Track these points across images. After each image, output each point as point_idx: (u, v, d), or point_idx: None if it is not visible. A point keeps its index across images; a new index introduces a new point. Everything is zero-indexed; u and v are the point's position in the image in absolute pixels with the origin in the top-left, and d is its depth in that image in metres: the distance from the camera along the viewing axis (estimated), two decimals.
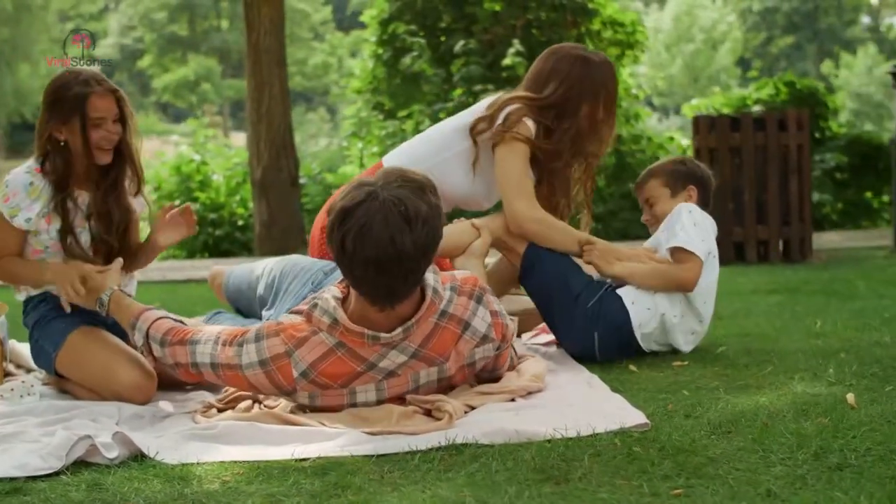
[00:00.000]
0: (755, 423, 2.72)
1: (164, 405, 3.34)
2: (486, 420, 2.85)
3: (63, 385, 3.63)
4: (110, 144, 3.46)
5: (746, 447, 2.51)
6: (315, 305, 2.91)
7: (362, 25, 13.98)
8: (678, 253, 3.70)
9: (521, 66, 11.66)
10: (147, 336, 3.09)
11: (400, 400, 3.00)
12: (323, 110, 46.49)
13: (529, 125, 3.85)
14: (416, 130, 12.52)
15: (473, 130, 3.94)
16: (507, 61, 11.72)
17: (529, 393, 3.23)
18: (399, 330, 2.87)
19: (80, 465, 2.64)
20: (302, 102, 46.15)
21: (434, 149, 4.00)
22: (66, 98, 3.40)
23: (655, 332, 3.73)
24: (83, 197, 3.51)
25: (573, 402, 3.08)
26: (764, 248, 7.83)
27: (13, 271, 3.51)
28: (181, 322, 3.15)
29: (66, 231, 3.47)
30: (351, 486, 2.36)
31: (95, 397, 3.48)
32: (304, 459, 2.61)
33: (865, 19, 52.64)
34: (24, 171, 3.47)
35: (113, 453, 2.68)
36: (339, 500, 2.28)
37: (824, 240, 9.65)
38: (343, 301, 2.93)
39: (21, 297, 3.61)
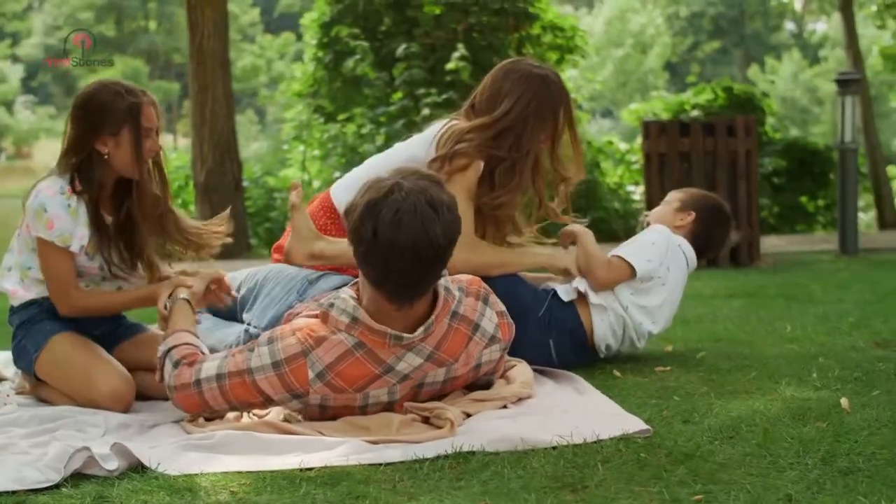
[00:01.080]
0: (755, 429, 2.76)
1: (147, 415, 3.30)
2: (487, 428, 2.85)
3: (39, 392, 3.57)
4: (155, 156, 3.40)
5: (753, 452, 2.55)
6: (331, 305, 2.88)
7: (291, 27, 13.87)
8: (616, 259, 3.75)
9: (465, 70, 11.69)
10: (167, 353, 3.04)
11: (396, 406, 2.99)
12: (251, 112, 46.14)
13: (476, 169, 3.72)
14: (358, 134, 12.48)
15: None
16: (450, 65, 11.73)
17: (520, 399, 3.23)
18: (421, 329, 2.85)
19: (78, 477, 2.58)
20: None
21: None
22: (118, 108, 3.30)
23: (608, 334, 3.75)
24: (106, 216, 3.44)
25: (568, 409, 3.09)
26: None
27: (102, 303, 3.45)
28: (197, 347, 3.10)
29: (105, 251, 3.40)
30: (366, 497, 2.35)
31: (73, 404, 3.42)
32: (308, 469, 2.58)
33: (790, 25, 53.67)
34: (58, 192, 3.34)
35: (112, 465, 2.63)
36: None
37: (767, 244, 9.80)
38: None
39: (16, 301, 3.51)
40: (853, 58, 14.07)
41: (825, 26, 51.09)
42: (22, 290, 3.49)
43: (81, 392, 3.33)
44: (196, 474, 2.56)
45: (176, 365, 2.99)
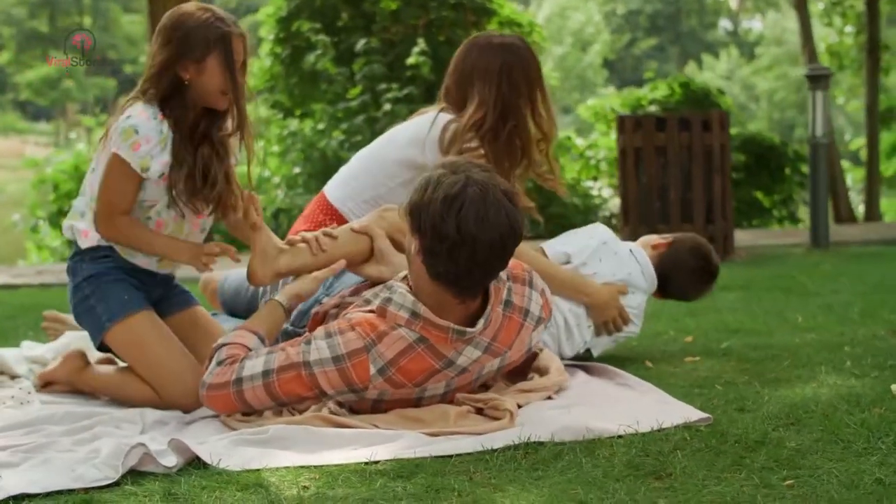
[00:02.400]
0: (813, 416, 2.76)
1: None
2: (545, 418, 2.83)
3: (80, 382, 3.47)
4: (242, 96, 3.21)
5: (823, 438, 2.55)
6: (388, 300, 2.82)
7: None
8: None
9: (426, 65, 11.62)
10: (218, 349, 2.95)
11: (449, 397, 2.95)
12: None
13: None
14: (315, 130, 12.36)
15: None
16: (411, 60, 11.66)
17: (559, 389, 3.22)
18: (481, 322, 2.82)
19: (136, 474, 2.52)
20: None
21: (379, 180, 3.78)
22: (206, 35, 3.13)
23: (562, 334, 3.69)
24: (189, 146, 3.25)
25: (619, 399, 3.08)
26: None
27: (140, 237, 3.24)
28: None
29: (176, 182, 3.20)
30: (448, 489, 2.31)
31: (94, 397, 3.38)
32: (374, 462, 2.54)
33: (726, 23, 54.39)
34: (151, 115, 3.15)
35: (171, 461, 2.56)
36: (447, 503, 2.23)
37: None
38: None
39: (86, 243, 3.30)
40: (808, 55, 14.28)
41: (760, 24, 51.94)
42: (93, 232, 3.30)
43: (159, 382, 3.21)
44: (259, 470, 2.51)
45: (220, 363, 2.91)
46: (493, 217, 2.67)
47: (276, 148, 12.46)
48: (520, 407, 2.97)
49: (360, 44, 12.04)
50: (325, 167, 12.12)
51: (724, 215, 8.03)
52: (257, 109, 12.69)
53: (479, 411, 2.90)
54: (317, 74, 12.48)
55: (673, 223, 7.91)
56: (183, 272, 3.58)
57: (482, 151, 3.64)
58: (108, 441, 2.73)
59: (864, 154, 16.31)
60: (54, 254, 11.10)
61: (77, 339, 3.96)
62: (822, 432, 2.60)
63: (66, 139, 43.30)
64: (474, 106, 3.66)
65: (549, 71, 14.09)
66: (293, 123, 12.59)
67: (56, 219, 10.77)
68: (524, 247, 3.57)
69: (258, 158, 3.49)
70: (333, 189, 3.89)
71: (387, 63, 12.22)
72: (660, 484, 2.28)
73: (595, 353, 3.73)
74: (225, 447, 2.67)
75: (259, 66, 13.35)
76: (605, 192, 13.41)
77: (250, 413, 2.95)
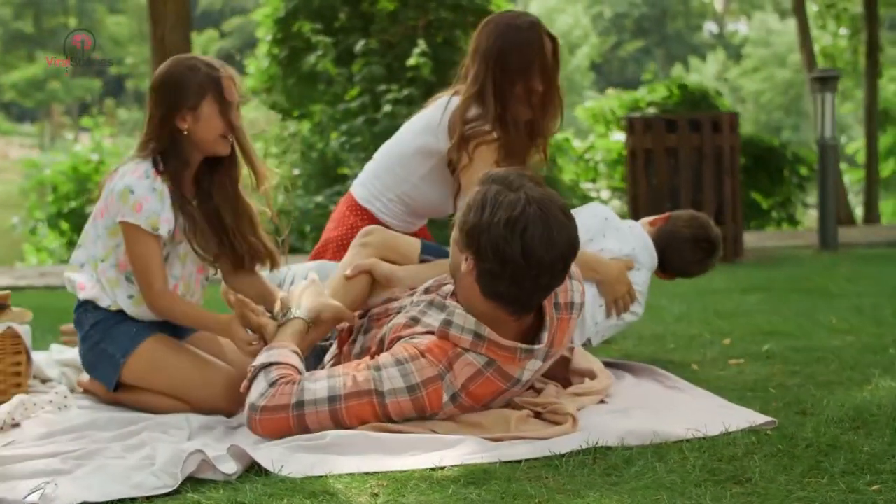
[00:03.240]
0: (880, 418, 2.72)
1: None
2: (607, 422, 2.79)
3: (121, 398, 3.41)
4: (237, 132, 3.22)
5: None
6: (449, 323, 2.72)
7: (212, 24, 13.53)
8: None
9: (426, 66, 11.57)
10: (264, 368, 2.81)
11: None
12: None
13: (492, 141, 3.55)
14: (315, 131, 12.29)
15: (450, 165, 3.64)
16: (411, 61, 11.60)
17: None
18: (545, 336, 2.76)
19: (194, 481, 2.45)
20: None
21: (401, 176, 3.73)
22: (196, 82, 3.15)
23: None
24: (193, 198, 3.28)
25: (676, 402, 3.04)
26: None
27: (190, 314, 3.22)
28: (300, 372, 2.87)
29: (193, 236, 3.23)
30: (524, 495, 2.26)
31: (138, 402, 3.30)
32: (440, 468, 2.49)
33: (712, 26, 54.53)
34: (143, 175, 3.16)
35: (231, 468, 2.50)
36: None
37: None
38: None
39: (84, 294, 3.32)
40: (807, 57, 14.28)
41: (745, 27, 52.09)
42: (91, 285, 3.32)
43: (193, 393, 3.17)
44: (323, 476, 2.45)
45: (273, 384, 2.76)
46: (557, 238, 2.60)
47: (274, 149, 12.39)
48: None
49: (360, 45, 11.97)
50: (324, 168, 12.07)
51: (734, 217, 8.01)
52: (255, 110, 12.65)
53: (538, 415, 2.85)
54: (315, 75, 12.41)
55: None
56: None
57: (495, 135, 3.53)
58: (162, 447, 2.67)
59: (860, 156, 16.35)
60: (53, 255, 11.00)
61: None
62: (894, 436, 2.56)
63: (51, 140, 43.13)
64: (467, 84, 3.58)
65: None
66: (292, 125, 12.51)
67: (55, 220, 10.67)
68: None
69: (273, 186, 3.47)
70: (360, 188, 3.84)
71: (385, 64, 12.16)
72: (741, 489, 2.24)
73: (595, 342, 3.67)
74: (281, 453, 2.60)
75: (256, 66, 13.28)
76: (604, 193, 13.40)
77: None
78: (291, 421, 2.72)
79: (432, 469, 2.48)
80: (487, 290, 2.68)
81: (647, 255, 3.67)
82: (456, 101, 3.63)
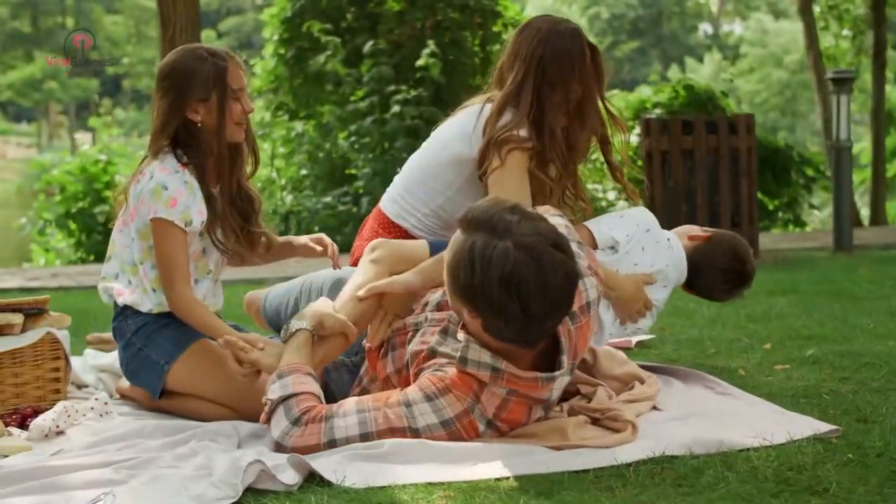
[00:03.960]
0: None
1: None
2: (667, 430, 2.76)
3: (165, 406, 3.38)
4: (246, 119, 3.22)
5: None
6: (465, 360, 2.65)
7: (209, 25, 13.44)
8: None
9: (436, 67, 11.52)
10: (284, 401, 2.70)
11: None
12: None
13: (523, 146, 3.46)
14: (320, 131, 12.23)
15: (481, 167, 3.52)
16: (421, 62, 11.55)
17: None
18: (565, 360, 2.69)
19: (256, 492, 2.42)
20: (146, 102, 44.99)
21: (435, 190, 3.60)
22: (204, 72, 3.11)
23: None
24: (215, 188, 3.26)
25: (731, 409, 3.00)
26: None
27: (207, 323, 3.16)
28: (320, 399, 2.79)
29: (214, 228, 3.22)
30: None
31: (182, 409, 3.27)
32: (505, 478, 2.45)
33: (707, 27, 54.57)
34: (172, 170, 3.13)
35: (292, 478, 2.46)
36: None
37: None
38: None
39: (122, 300, 3.28)
40: (814, 58, 14.25)
41: (739, 28, 52.14)
42: (129, 291, 3.27)
43: (240, 401, 3.12)
44: (386, 487, 2.41)
45: (296, 422, 2.66)
46: (553, 281, 2.51)
47: (282, 149, 12.34)
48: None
49: (368, 45, 11.91)
50: (331, 169, 12.02)
51: (751, 219, 7.97)
52: (261, 111, 12.60)
53: (595, 421, 2.81)
54: (321, 76, 12.35)
55: (700, 226, 7.84)
56: (227, 274, 3.56)
57: (530, 144, 3.43)
58: (218, 457, 2.64)
59: (864, 157, 16.32)
60: (62, 256, 10.94)
61: None
62: None
63: (49, 140, 43.03)
64: (505, 87, 3.49)
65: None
66: (299, 125, 12.46)
67: (63, 221, 10.60)
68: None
69: (266, 161, 3.50)
70: (390, 204, 3.70)
71: (393, 65, 12.11)
72: (821, 501, 2.20)
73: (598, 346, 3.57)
74: (339, 462, 2.56)
75: (263, 66, 13.23)
76: (611, 195, 13.35)
77: None
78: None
79: (497, 479, 2.44)
80: (496, 336, 2.61)
81: (677, 274, 3.61)
82: (490, 108, 3.54)
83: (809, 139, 34.08)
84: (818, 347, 3.89)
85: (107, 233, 10.64)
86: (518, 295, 2.50)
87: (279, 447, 2.65)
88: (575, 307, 2.75)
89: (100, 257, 10.65)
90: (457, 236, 2.61)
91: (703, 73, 42.28)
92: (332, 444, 2.63)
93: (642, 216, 3.63)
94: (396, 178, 3.79)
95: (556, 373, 2.68)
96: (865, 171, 16.40)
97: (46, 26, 44.40)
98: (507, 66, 3.55)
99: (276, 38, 12.95)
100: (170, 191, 3.11)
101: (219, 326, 3.15)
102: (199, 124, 3.15)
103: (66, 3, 44.17)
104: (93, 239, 10.57)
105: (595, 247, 3.52)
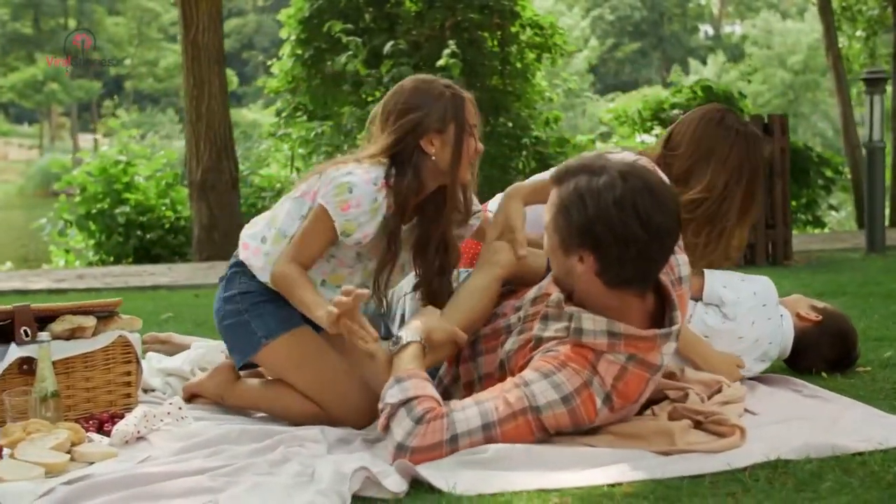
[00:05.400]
0: None
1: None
2: (772, 434, 2.72)
3: (199, 401, 3.40)
4: (477, 159, 3.09)
5: None
6: (579, 331, 2.62)
7: None
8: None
9: (456, 67, 11.46)
10: (405, 403, 2.62)
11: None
12: (172, 112, 45.28)
13: None
14: (339, 131, 12.16)
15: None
16: (441, 62, 11.49)
17: None
18: (677, 314, 2.66)
19: (360, 500, 2.36)
20: (149, 103, 44.99)
21: None
22: (443, 103, 3.00)
23: None
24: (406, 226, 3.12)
25: (830, 412, 2.95)
26: (750, 251, 7.86)
27: (305, 300, 3.00)
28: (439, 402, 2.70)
29: (383, 271, 3.09)
30: None
31: (242, 412, 3.24)
32: (618, 484, 2.39)
33: (708, 29, 54.57)
34: (371, 181, 2.98)
35: (400, 486, 2.40)
36: None
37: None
38: None
39: (245, 255, 3.15)
40: (833, 59, 14.20)
41: (740, 29, 52.13)
42: (257, 252, 3.15)
43: (326, 398, 3.07)
44: (497, 494, 2.35)
45: (419, 420, 2.57)
46: (664, 197, 2.54)
47: (301, 150, 12.29)
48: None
49: (388, 45, 11.84)
50: None
51: (784, 220, 7.92)
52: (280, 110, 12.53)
53: (698, 424, 2.75)
54: (339, 76, 12.29)
55: None
56: (126, 280, 3.47)
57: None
58: (318, 463, 2.57)
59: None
60: (81, 257, 10.87)
61: (213, 349, 3.81)
62: None
63: (51, 141, 42.94)
64: (701, 186, 3.37)
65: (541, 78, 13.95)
66: (320, 125, 12.39)
67: (83, 222, 10.54)
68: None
69: (280, 162, 3.36)
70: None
71: (413, 65, 12.05)
72: None
73: None
74: (442, 469, 2.50)
75: (280, 66, 13.17)
76: None
77: None
78: (445, 456, 2.57)
79: (611, 486, 2.39)
80: (613, 280, 2.59)
81: (779, 352, 3.53)
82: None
83: (812, 140, 34.03)
84: (892, 349, 3.84)
85: (127, 234, 10.67)
86: (636, 211, 2.51)
87: (401, 448, 2.56)
88: (673, 276, 2.78)
89: (120, 259, 10.58)
90: (553, 192, 2.63)
91: (706, 74, 42.24)
92: (454, 439, 2.56)
93: (764, 288, 3.51)
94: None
95: (673, 329, 2.64)
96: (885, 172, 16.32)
97: (48, 27, 44.32)
98: (689, 153, 3.42)
99: (293, 38, 12.89)
100: (352, 196, 2.95)
101: (319, 305, 2.94)
102: (433, 156, 3.02)
103: (67, 4, 44.09)
104: (113, 240, 10.49)
105: (699, 297, 3.45)
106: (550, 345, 2.70)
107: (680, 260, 2.83)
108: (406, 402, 2.62)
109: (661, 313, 2.70)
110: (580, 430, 2.66)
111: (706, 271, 3.49)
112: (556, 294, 2.78)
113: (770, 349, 3.45)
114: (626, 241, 2.52)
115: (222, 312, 3.22)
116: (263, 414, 3.29)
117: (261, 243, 3.15)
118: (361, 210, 2.97)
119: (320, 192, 3.02)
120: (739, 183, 3.38)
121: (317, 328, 3.12)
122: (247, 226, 3.28)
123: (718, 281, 3.48)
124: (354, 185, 2.95)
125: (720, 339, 3.38)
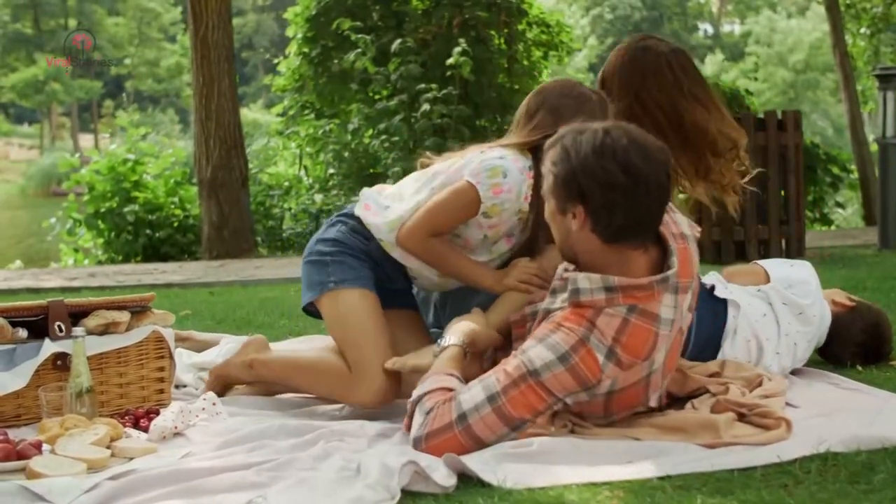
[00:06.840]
0: None
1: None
2: (818, 426, 2.70)
3: (234, 391, 3.44)
4: None
5: None
6: (576, 291, 2.63)
7: None
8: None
9: (467, 65, 11.41)
10: (418, 402, 2.67)
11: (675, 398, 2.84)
12: (172, 112, 45.26)
13: None
14: (347, 130, 12.14)
15: None
16: (451, 60, 11.44)
17: None
18: (674, 260, 2.66)
19: (410, 495, 2.35)
20: (149, 104, 44.93)
21: None
22: (592, 105, 3.07)
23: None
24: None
25: (870, 405, 2.94)
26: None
27: (445, 256, 3.12)
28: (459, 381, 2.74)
29: (530, 253, 3.14)
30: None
31: (275, 375, 3.31)
32: (667, 476, 2.38)
33: (708, 27, 54.58)
34: (521, 169, 3.06)
35: (449, 480, 2.39)
36: None
37: None
38: None
39: (362, 212, 3.22)
40: (840, 57, 14.19)
41: (738, 28, 52.16)
42: (377, 212, 3.21)
43: (351, 358, 3.10)
44: (546, 488, 2.34)
45: (429, 412, 2.61)
46: (647, 145, 2.60)
47: (309, 149, 12.27)
48: None
49: (396, 43, 11.81)
50: (359, 168, 11.95)
51: (798, 217, 7.91)
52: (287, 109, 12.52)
53: (741, 417, 2.74)
54: (346, 74, 12.26)
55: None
56: (139, 278, 3.48)
57: None
58: (362, 458, 2.55)
59: None
60: (90, 256, 10.84)
61: (238, 342, 3.80)
62: None
63: (52, 141, 42.89)
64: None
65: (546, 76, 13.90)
66: (326, 124, 12.37)
67: (92, 221, 10.51)
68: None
69: (287, 160, 3.43)
70: None
71: (420, 63, 12.02)
72: None
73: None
74: (487, 462, 2.49)
75: (287, 65, 13.15)
76: None
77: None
78: (460, 437, 2.57)
79: (660, 478, 2.38)
80: (606, 231, 2.62)
81: (813, 345, 3.50)
82: None
83: (811, 139, 34.02)
84: None
85: (136, 233, 10.65)
86: (615, 158, 2.56)
87: (417, 440, 2.59)
88: (674, 230, 2.77)
89: (129, 258, 10.55)
90: (545, 157, 2.71)
91: (705, 73, 42.29)
92: (462, 418, 2.56)
93: (805, 276, 3.50)
94: None
95: (668, 273, 2.65)
96: None
97: (48, 28, 44.28)
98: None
99: (300, 36, 12.87)
100: (507, 181, 3.01)
101: (473, 268, 3.16)
102: None
103: (67, 5, 44.05)
104: (122, 239, 10.46)
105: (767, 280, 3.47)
106: (554, 314, 2.72)
107: (680, 220, 2.85)
108: (419, 399, 2.67)
109: (664, 263, 2.72)
110: (594, 398, 2.63)
111: (759, 262, 3.53)
112: (561, 266, 2.81)
113: (807, 348, 3.45)
114: (609, 187, 2.57)
115: (310, 250, 3.28)
116: (289, 397, 3.35)
117: (382, 209, 3.21)
118: (511, 196, 3.04)
119: (466, 168, 3.07)
120: (678, 88, 3.47)
121: (383, 298, 3.19)
122: (373, 189, 3.34)
123: (776, 264, 3.52)
124: (508, 170, 3.02)
125: (805, 319, 3.39)
